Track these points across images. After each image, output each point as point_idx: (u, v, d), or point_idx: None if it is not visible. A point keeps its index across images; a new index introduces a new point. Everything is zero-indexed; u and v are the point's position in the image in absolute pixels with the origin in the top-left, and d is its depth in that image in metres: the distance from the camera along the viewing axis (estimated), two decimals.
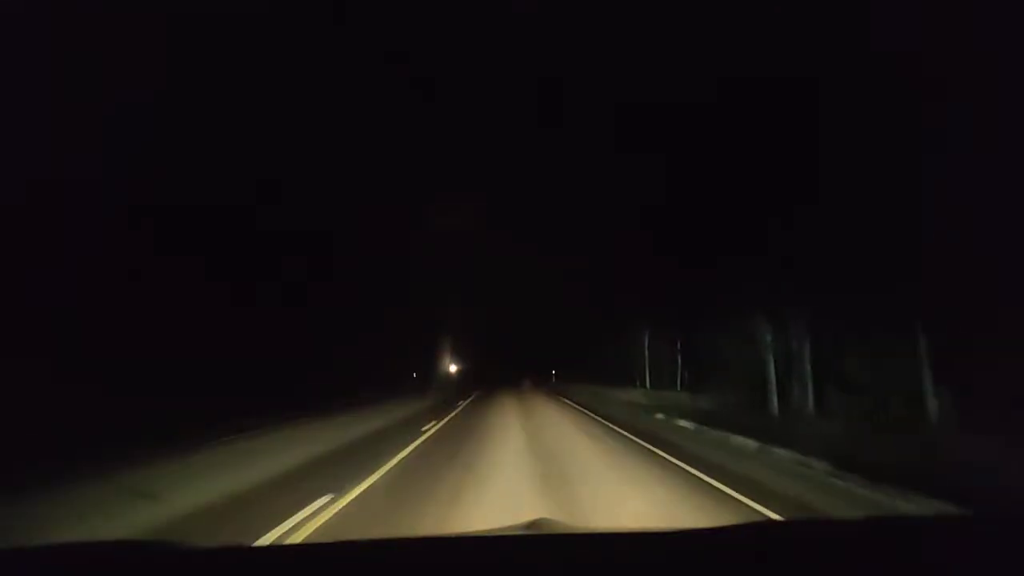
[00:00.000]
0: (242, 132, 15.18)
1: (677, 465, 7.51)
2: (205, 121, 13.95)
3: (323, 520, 4.99)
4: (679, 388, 22.73)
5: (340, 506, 5.51)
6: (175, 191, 14.16)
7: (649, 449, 8.96)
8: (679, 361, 23.52)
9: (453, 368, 53.78)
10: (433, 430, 12.20)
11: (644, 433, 10.98)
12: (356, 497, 5.86)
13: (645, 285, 21.57)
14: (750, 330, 14.60)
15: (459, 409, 18.52)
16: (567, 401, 22.67)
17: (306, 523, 4.87)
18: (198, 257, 15.51)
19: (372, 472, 7.15)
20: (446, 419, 14.78)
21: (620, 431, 11.53)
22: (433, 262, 35.01)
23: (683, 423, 12.43)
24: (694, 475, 6.81)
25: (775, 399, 13.79)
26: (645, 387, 26.16)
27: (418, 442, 10.16)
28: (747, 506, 5.36)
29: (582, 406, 19.16)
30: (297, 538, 4.48)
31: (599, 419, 14.36)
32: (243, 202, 16.79)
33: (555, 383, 44.98)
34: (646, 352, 27.12)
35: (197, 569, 1.47)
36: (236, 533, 4.65)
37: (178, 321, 14.99)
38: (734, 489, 5.92)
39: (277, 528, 4.71)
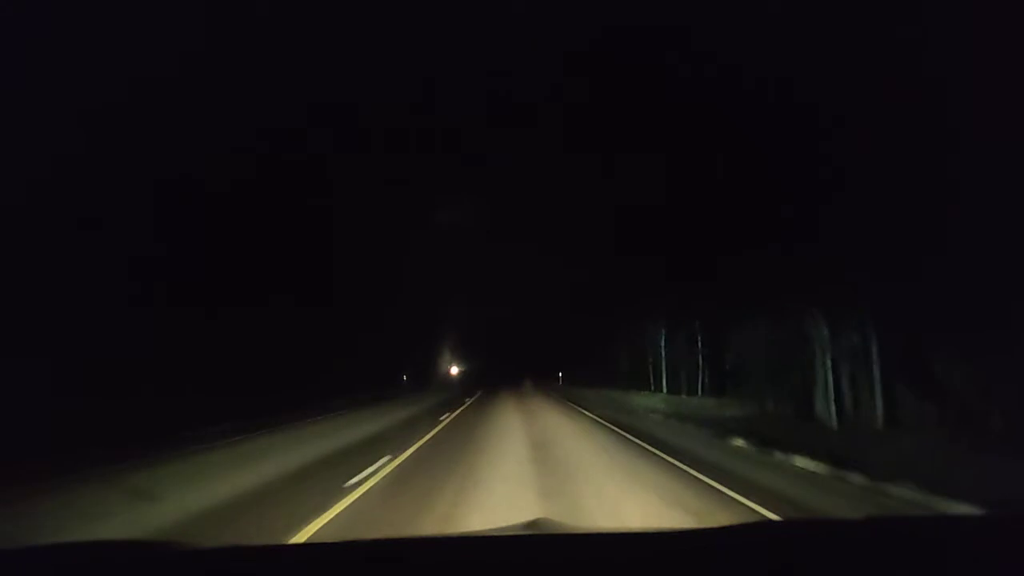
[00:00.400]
0: (239, 133, 15.19)
1: None
2: (204, 121, 13.97)
3: None
4: (700, 392, 19.54)
5: None
6: (171, 191, 14.14)
7: None
8: (700, 362, 19.92)
9: (454, 370, 52.24)
10: (386, 471, 7.16)
11: (778, 497, 5.76)
12: None
13: (662, 276, 18.75)
14: (796, 325, 11.91)
15: (441, 426, 12.73)
16: (588, 414, 16.44)
17: None
18: (192, 258, 15.44)
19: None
20: (409, 451, 8.85)
21: (731, 494, 5.88)
22: (434, 262, 34.94)
23: (802, 462, 7.56)
24: None
25: (832, 407, 11.11)
26: (661, 391, 22.46)
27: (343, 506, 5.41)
28: None
29: (614, 424, 12.82)
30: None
31: (664, 456, 8.23)
32: (242, 203, 16.79)
33: (562, 385, 40.83)
34: (663, 352, 23.18)
35: (200, 568, 1.47)
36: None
37: (172, 322, 14.91)
38: None
39: None
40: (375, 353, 30.12)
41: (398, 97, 18.68)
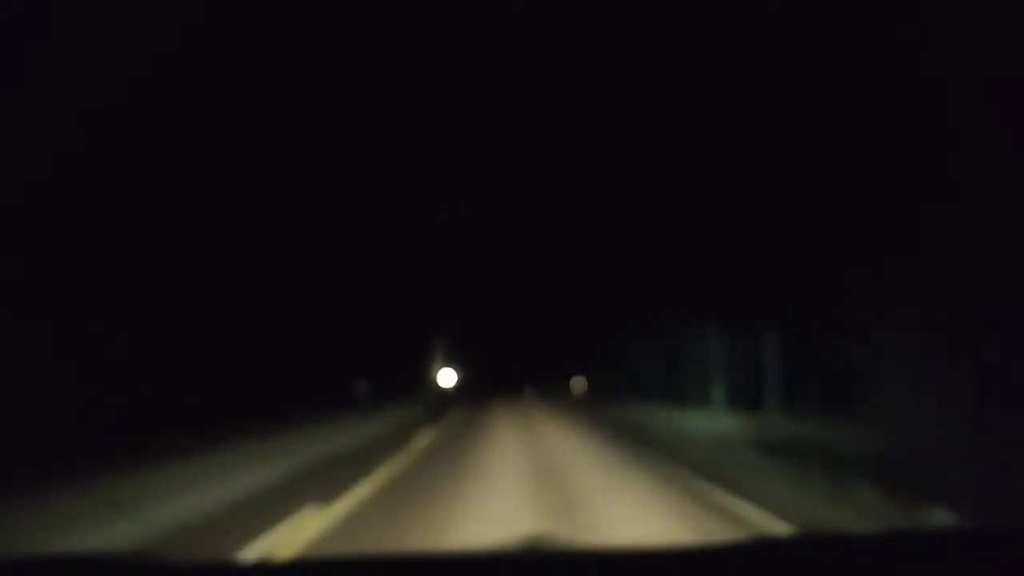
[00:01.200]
0: (239, 133, 15.18)
1: None
2: (204, 121, 13.95)
3: None
4: (763, 409, 13.91)
5: None
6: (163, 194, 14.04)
7: None
8: (774, 372, 13.91)
9: (448, 375, 45.55)
10: None
11: None
12: None
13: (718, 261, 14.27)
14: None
15: None
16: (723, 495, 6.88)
17: None
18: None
19: None
20: None
21: None
22: (431, 263, 34.58)
23: None
24: None
25: None
26: (713, 406, 16.66)
27: None
28: None
29: None
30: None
31: None
32: (240, 207, 16.71)
33: (581, 399, 31.67)
34: (715, 358, 17.45)
35: None
36: None
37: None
38: None
39: None
40: (369, 357, 28.69)
41: (398, 97, 18.68)
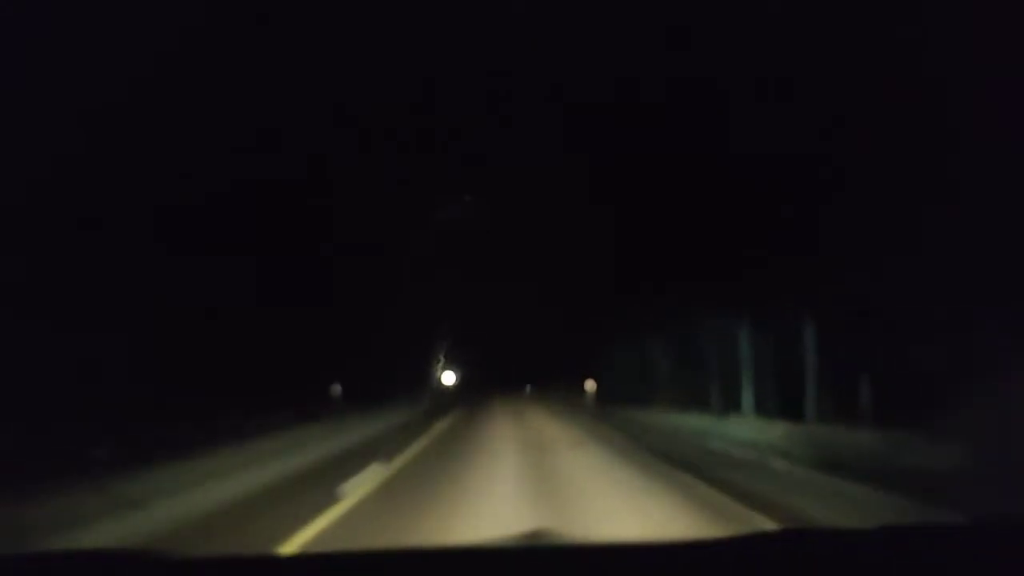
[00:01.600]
0: (239, 133, 15.18)
1: None
2: (203, 121, 13.95)
3: None
4: (811, 418, 11.34)
5: None
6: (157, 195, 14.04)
7: None
8: (807, 370, 11.51)
9: (448, 378, 45.69)
10: None
11: None
12: None
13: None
14: None
15: None
16: None
17: None
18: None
19: None
20: None
21: None
22: (431, 263, 34.53)
23: None
24: None
25: None
26: (743, 412, 14.41)
27: None
28: None
29: None
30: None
31: None
32: (240, 207, 16.73)
33: (595, 404, 28.56)
34: (745, 360, 14.91)
35: None
36: None
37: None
38: None
39: None
40: (367, 357, 28.41)
41: (398, 97, 18.69)
